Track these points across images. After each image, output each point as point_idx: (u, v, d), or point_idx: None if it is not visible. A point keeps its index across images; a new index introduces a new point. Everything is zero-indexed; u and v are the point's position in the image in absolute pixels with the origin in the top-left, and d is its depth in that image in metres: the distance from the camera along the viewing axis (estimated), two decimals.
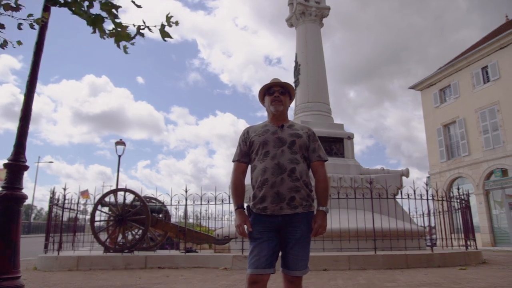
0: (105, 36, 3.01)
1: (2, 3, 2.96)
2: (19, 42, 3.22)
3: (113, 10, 2.90)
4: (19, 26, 3.08)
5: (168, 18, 2.96)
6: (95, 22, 2.88)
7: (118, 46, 3.04)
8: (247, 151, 2.38)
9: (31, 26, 3.12)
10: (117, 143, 17.34)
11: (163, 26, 2.98)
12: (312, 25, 13.22)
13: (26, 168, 3.69)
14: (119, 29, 2.96)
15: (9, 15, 3.03)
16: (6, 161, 3.61)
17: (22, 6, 3.03)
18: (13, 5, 2.99)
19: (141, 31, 3.00)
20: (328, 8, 13.52)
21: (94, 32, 2.95)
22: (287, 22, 14.16)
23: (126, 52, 3.11)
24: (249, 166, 2.41)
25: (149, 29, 2.98)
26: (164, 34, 3.01)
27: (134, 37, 3.05)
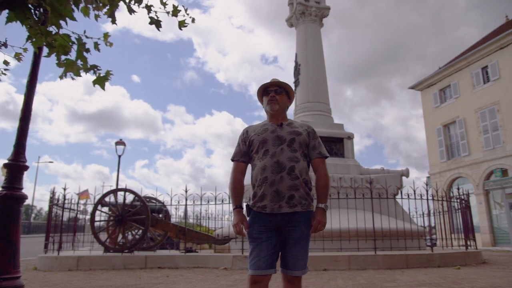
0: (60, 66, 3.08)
1: None
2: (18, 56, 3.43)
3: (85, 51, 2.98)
4: (6, 63, 3.40)
5: (107, 73, 3.13)
6: (56, 50, 2.93)
7: (61, 77, 3.10)
8: (246, 150, 2.38)
9: (18, 59, 3.41)
10: (117, 143, 17.33)
11: (101, 78, 3.14)
12: (312, 25, 13.23)
13: (26, 168, 3.69)
14: (78, 62, 3.02)
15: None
16: (6, 161, 3.61)
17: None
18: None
19: (96, 69, 3.09)
20: (328, 8, 13.53)
21: (49, 55, 3.00)
22: (287, 22, 14.17)
23: (61, 77, 3.20)
24: (249, 166, 2.42)
25: (96, 72, 3.11)
26: (98, 82, 3.13)
27: (87, 71, 3.12)
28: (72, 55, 3.02)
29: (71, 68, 3.00)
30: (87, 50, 3.01)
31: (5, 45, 3.26)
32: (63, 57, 2.99)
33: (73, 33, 2.97)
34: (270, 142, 2.27)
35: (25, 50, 3.39)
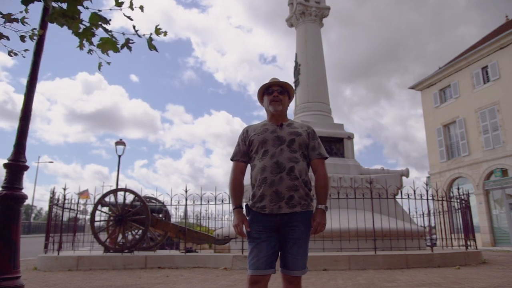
0: (92, 51, 3.05)
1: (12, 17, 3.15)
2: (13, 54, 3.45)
3: (103, 24, 2.92)
4: (22, 39, 3.35)
5: (157, 30, 3.05)
6: (85, 34, 2.89)
7: (107, 53, 3.06)
8: (246, 150, 2.37)
9: (31, 38, 3.37)
10: (117, 143, 17.32)
11: (151, 38, 3.06)
12: (312, 25, 13.23)
13: (26, 168, 3.69)
14: (111, 37, 2.98)
15: (14, 29, 3.27)
16: (6, 161, 3.61)
17: (27, 23, 3.23)
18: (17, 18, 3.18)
19: (129, 44, 3.05)
20: (328, 8, 13.53)
21: (81, 47, 2.96)
22: (287, 22, 14.17)
23: (99, 68, 3.16)
24: (249, 166, 2.41)
25: (139, 35, 3.04)
26: (151, 46, 3.08)
27: (122, 47, 3.08)
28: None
29: (110, 45, 2.96)
30: (108, 22, 2.96)
31: (10, 20, 3.22)
32: (94, 41, 2.96)
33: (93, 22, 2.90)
34: (270, 143, 2.27)
35: (27, 10, 3.32)
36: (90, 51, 3.07)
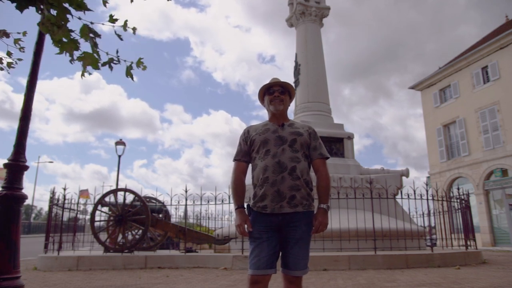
0: (74, 60, 3.03)
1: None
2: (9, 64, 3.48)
3: (94, 39, 2.89)
4: (9, 54, 3.54)
5: (139, 61, 3.06)
6: (68, 45, 2.85)
7: (83, 74, 3.05)
8: (247, 150, 2.38)
9: (19, 48, 3.45)
10: (117, 143, 17.32)
11: (130, 67, 3.07)
12: (312, 25, 13.23)
13: (26, 168, 3.68)
14: (94, 54, 2.94)
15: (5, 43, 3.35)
16: (6, 161, 3.61)
17: (21, 41, 3.31)
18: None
19: (112, 63, 3.05)
20: (328, 8, 13.53)
21: (60, 53, 2.93)
22: (287, 22, 14.18)
23: (83, 75, 3.14)
24: (250, 166, 2.41)
25: (117, 61, 3.04)
26: (128, 74, 3.09)
27: (104, 65, 3.07)
28: (86, 49, 2.96)
29: (90, 61, 2.94)
30: (99, 36, 2.94)
31: (6, 35, 3.23)
32: (76, 54, 2.93)
33: (89, 28, 2.87)
34: (272, 142, 2.27)
35: (24, 33, 3.32)
36: (72, 60, 3.06)
